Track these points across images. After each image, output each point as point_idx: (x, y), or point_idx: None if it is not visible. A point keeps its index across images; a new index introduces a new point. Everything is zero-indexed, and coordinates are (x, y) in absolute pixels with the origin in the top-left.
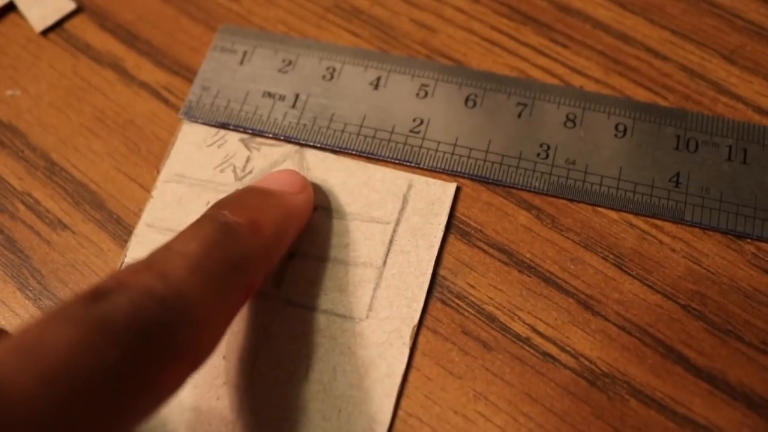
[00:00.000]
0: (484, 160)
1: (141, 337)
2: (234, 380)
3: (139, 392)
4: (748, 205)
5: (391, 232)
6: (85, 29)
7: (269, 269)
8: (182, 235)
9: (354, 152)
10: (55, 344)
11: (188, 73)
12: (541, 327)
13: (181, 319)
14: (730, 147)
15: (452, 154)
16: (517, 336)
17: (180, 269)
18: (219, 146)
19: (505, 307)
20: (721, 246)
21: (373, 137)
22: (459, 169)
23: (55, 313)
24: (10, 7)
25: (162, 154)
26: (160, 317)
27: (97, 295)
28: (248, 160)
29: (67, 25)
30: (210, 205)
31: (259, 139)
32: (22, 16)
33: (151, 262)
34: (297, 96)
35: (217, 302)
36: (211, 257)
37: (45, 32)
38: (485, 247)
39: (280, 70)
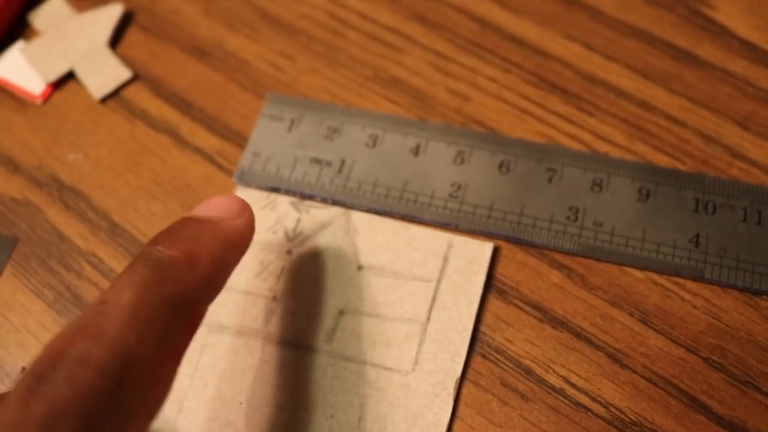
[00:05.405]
0: (518, 223)
1: (89, 418)
2: (290, 430)
3: None
4: (764, 264)
5: (434, 290)
6: (140, 97)
7: (212, 298)
8: (116, 284)
9: (397, 215)
10: None
11: (239, 139)
12: (573, 379)
13: (123, 380)
14: (745, 209)
15: (489, 217)
16: (552, 387)
17: (115, 324)
18: (271, 209)
19: (540, 361)
20: (738, 302)
21: (415, 201)
22: (495, 231)
23: (6, 422)
24: (70, 76)
25: None
26: (102, 386)
27: (37, 378)
28: (298, 221)
29: (124, 93)
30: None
31: (307, 202)
32: (81, 85)
33: (86, 323)
34: (343, 162)
35: (159, 349)
36: (147, 303)
37: (103, 99)
38: (521, 305)
39: (325, 137)
